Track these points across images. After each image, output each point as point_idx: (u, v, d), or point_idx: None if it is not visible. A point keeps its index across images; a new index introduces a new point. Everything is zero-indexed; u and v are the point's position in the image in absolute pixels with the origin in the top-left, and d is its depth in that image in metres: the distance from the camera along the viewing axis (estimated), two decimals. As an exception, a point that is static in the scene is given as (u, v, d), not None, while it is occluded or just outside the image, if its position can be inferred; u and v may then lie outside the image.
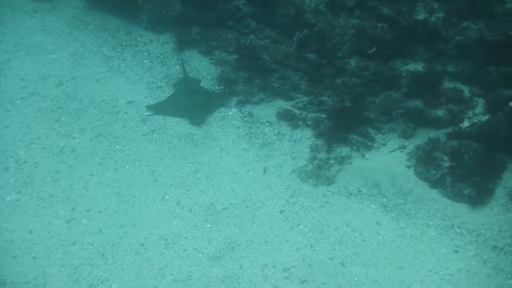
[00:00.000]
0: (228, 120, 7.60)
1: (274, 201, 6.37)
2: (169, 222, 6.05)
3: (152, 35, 9.22)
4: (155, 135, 7.25)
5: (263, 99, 7.82)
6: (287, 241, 5.87)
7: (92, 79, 8.23)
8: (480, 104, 6.68)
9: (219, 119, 7.61)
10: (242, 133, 7.36)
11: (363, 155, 6.88)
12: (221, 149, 7.08)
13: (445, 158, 6.39)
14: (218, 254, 5.71)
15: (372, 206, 6.26)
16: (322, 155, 6.82)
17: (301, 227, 6.04)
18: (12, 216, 5.97)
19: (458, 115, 6.69)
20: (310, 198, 6.40)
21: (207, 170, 6.76)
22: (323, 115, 7.27)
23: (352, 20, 7.30)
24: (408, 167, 6.68)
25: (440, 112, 6.77)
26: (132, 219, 6.05)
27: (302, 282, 5.40)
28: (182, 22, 8.88)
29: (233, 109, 7.76)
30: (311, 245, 5.81)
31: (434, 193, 6.35)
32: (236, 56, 8.28)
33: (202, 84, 8.22)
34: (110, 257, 5.61)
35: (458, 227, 5.90)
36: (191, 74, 8.36)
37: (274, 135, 7.34)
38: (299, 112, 7.46)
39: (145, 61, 8.69)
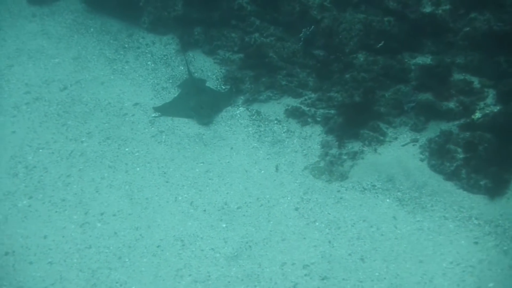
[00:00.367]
0: (236, 119, 7.54)
1: (288, 198, 6.31)
2: (184, 223, 5.98)
3: (154, 37, 9.14)
4: (164, 136, 7.18)
5: (271, 97, 7.76)
6: (304, 238, 5.82)
7: (96, 82, 8.15)
8: (491, 95, 6.66)
9: (227, 119, 7.55)
10: (251, 132, 7.30)
11: (376, 150, 6.84)
12: (231, 148, 7.02)
13: (459, 150, 6.37)
14: (235, 254, 5.64)
15: (387, 200, 6.23)
16: (334, 151, 6.78)
17: (317, 223, 5.99)
18: (25, 222, 5.88)
19: (469, 106, 6.66)
20: (324, 194, 6.36)
21: (219, 169, 6.70)
22: (332, 111, 7.23)
23: (358, 15, 7.28)
24: (422, 160, 6.64)
25: (451, 104, 6.75)
26: (147, 221, 5.98)
27: (323, 279, 5.35)
28: (185, 23, 8.81)
29: (240, 108, 7.71)
30: (329, 241, 5.76)
31: (449, 185, 6.31)
32: (241, 55, 8.24)
33: (208, 84, 8.16)
34: (127, 260, 5.54)
35: (476, 219, 5.87)
36: (196, 74, 8.29)
37: (284, 132, 7.29)
38: (308, 108, 7.42)
39: (149, 62, 8.62)
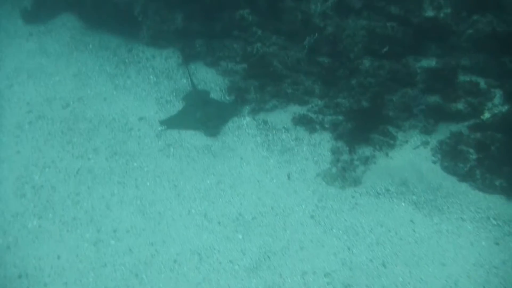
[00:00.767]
0: (243, 129, 7.48)
1: (303, 206, 6.24)
2: (199, 236, 5.87)
3: (155, 51, 9.09)
4: (171, 150, 7.09)
5: (277, 106, 7.73)
6: (323, 245, 5.74)
7: (99, 98, 8.06)
8: (498, 95, 6.70)
9: (234, 129, 7.48)
10: (259, 141, 7.24)
11: (387, 154, 6.81)
12: (241, 158, 6.95)
13: (471, 150, 6.37)
14: (255, 265, 5.54)
15: (403, 204, 6.18)
16: (345, 156, 6.74)
17: (334, 230, 5.91)
18: (36, 243, 5.73)
19: (477, 107, 6.70)
20: (339, 200, 6.30)
21: (230, 180, 6.61)
22: (340, 117, 7.21)
23: (361, 21, 7.32)
24: (434, 162, 6.63)
25: (460, 105, 6.78)
26: (161, 236, 5.86)
27: (346, 287, 5.26)
28: (185, 35, 8.79)
29: (247, 118, 7.65)
30: (348, 248, 5.68)
31: (464, 186, 6.30)
32: (244, 65, 8.22)
33: (212, 95, 8.10)
34: (144, 277, 5.40)
35: (494, 219, 5.85)
36: (199, 86, 8.24)
37: (292, 140, 7.24)
38: (315, 115, 7.39)
39: (151, 76, 8.55)
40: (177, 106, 7.93)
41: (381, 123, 7.03)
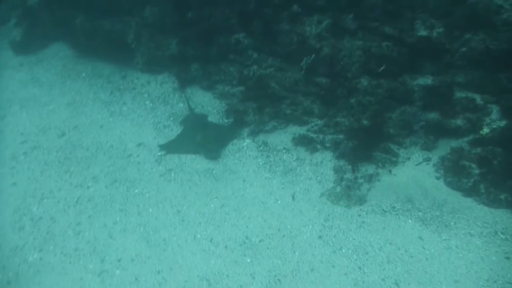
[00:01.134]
0: (244, 151, 7.44)
1: (310, 227, 6.17)
2: (206, 262, 5.73)
3: (149, 76, 9.08)
4: (173, 174, 6.99)
5: (276, 127, 7.73)
6: (333, 266, 5.65)
7: (95, 126, 7.96)
8: (494, 110, 6.79)
9: (235, 151, 7.44)
10: (261, 163, 7.20)
11: (390, 171, 6.82)
12: (244, 180, 6.88)
13: (473, 165, 6.41)
14: (266, 289, 5.42)
15: (410, 221, 6.16)
16: (349, 175, 6.73)
17: (343, 250, 5.84)
18: (38, 277, 5.53)
19: (476, 122, 6.77)
20: (345, 219, 6.25)
21: (234, 203, 6.53)
22: (341, 136, 7.22)
23: (357, 41, 7.42)
24: (438, 178, 6.65)
25: (459, 121, 6.85)
26: (168, 263, 5.71)
27: (361, 307, 5.17)
28: (180, 60, 8.80)
29: (246, 140, 7.62)
30: (359, 268, 5.61)
31: (469, 201, 6.31)
32: (241, 88, 8.23)
33: (210, 119, 8.08)
34: (153, 307, 5.23)
35: (502, 233, 5.84)
36: (197, 110, 8.22)
37: (294, 161, 7.21)
38: (315, 135, 7.39)
39: (147, 102, 8.51)
40: (175, 130, 7.88)
41: (382, 141, 7.06)
